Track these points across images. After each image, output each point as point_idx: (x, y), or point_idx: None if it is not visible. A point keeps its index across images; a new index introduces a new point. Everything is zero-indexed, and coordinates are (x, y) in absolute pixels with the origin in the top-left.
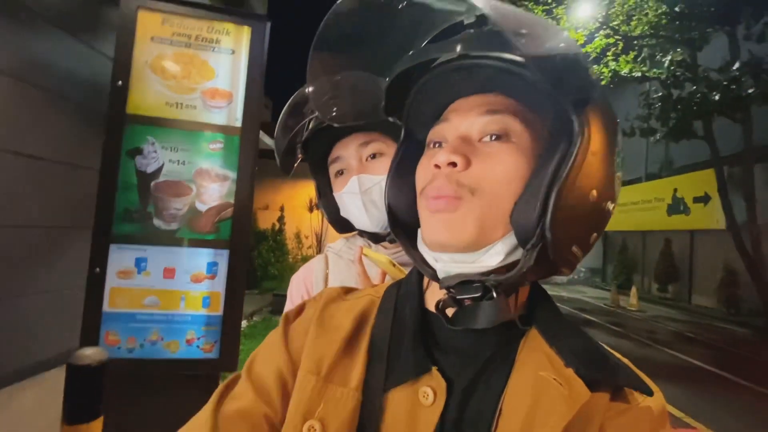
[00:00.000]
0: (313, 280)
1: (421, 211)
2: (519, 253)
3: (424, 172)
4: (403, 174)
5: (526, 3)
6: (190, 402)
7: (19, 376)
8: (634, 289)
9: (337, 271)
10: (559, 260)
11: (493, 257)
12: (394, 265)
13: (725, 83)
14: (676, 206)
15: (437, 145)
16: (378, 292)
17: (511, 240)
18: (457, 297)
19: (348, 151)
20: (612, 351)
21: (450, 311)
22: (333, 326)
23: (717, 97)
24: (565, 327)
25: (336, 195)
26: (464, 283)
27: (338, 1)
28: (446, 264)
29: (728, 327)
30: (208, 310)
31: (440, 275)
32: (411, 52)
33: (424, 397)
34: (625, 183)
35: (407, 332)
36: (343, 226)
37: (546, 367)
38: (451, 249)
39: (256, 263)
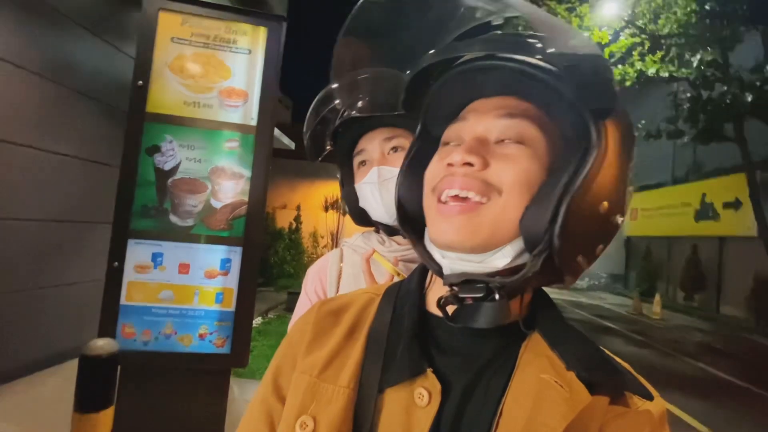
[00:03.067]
0: (328, 272)
1: (429, 209)
2: (525, 258)
3: (435, 169)
4: (415, 170)
5: (549, 2)
6: (200, 394)
7: (40, 365)
8: (657, 297)
9: (351, 264)
10: (565, 268)
11: (500, 259)
12: (398, 274)
13: (758, 84)
14: (705, 212)
15: (451, 144)
16: (378, 290)
17: (519, 244)
18: (460, 295)
19: (372, 144)
20: (612, 355)
21: (451, 309)
22: (328, 325)
23: (749, 99)
24: (567, 331)
25: (356, 186)
26: (468, 281)
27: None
28: (453, 261)
29: (758, 339)
30: (221, 306)
31: (445, 272)
32: (437, 48)
33: (419, 398)
34: (651, 187)
35: (405, 332)
36: (361, 218)
37: (548, 370)
38: (459, 250)
39: (272, 261)
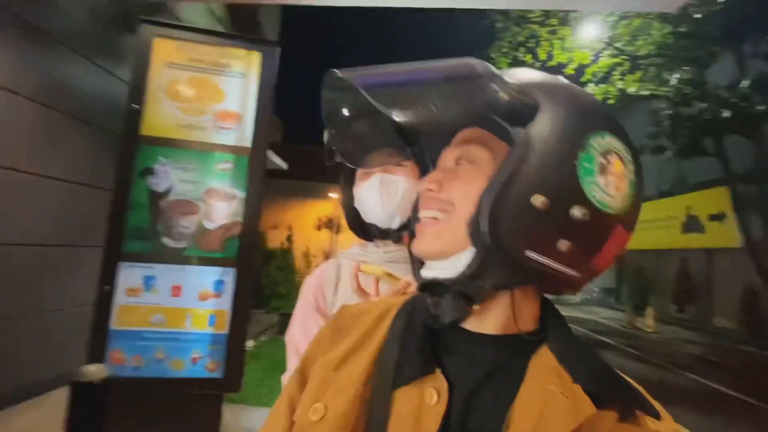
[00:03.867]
0: (327, 279)
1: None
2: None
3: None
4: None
5: (531, 25)
6: (192, 421)
7: (20, 397)
8: (650, 310)
9: (346, 274)
10: (512, 265)
11: (461, 263)
12: (389, 274)
13: (734, 100)
14: (691, 224)
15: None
16: (397, 300)
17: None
18: (433, 299)
19: (377, 159)
20: (623, 375)
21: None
22: (347, 327)
23: (727, 115)
24: (575, 345)
25: (356, 190)
26: (433, 285)
27: (323, 89)
28: (430, 270)
29: (751, 350)
30: (214, 329)
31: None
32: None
33: (429, 398)
34: None
35: (417, 335)
36: (356, 224)
37: (554, 382)
38: (428, 257)
39: (264, 282)
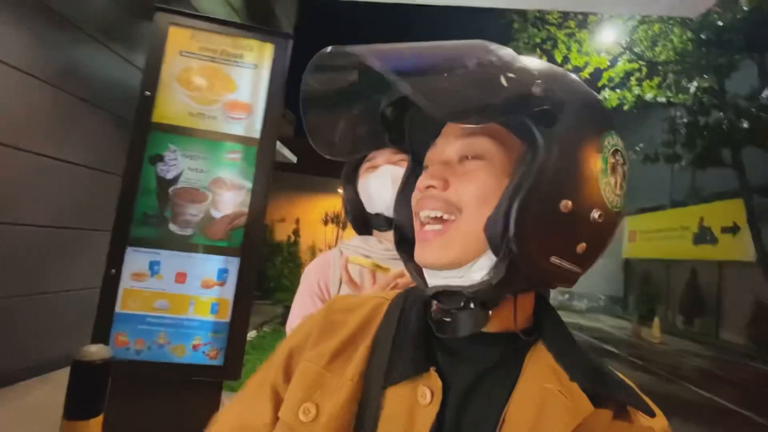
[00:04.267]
0: (331, 270)
1: (415, 231)
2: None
3: (414, 194)
4: (407, 195)
5: (549, 27)
6: (191, 406)
7: (26, 374)
8: (656, 321)
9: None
10: (537, 272)
11: (477, 272)
12: (378, 266)
13: (754, 111)
14: (703, 236)
15: (427, 168)
16: (388, 295)
17: (491, 255)
18: (443, 307)
19: (382, 154)
20: (616, 372)
21: (443, 320)
22: (338, 321)
23: (746, 125)
24: (571, 343)
25: (360, 182)
26: (446, 293)
27: (309, 65)
28: (435, 278)
29: (759, 366)
30: (216, 317)
31: (429, 286)
32: (388, 92)
33: (422, 397)
34: (648, 210)
35: (411, 333)
36: (358, 220)
37: (551, 380)
38: (438, 267)
39: (269, 274)
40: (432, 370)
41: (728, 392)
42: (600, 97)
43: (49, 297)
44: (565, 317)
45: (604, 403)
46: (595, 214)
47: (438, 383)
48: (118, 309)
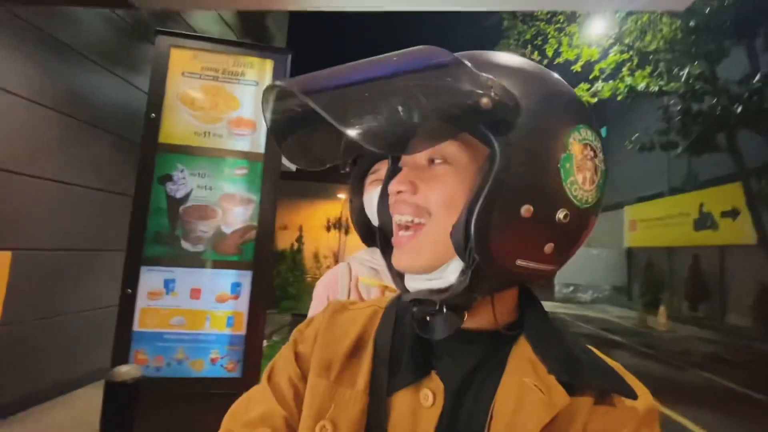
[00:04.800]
0: (339, 282)
1: (393, 235)
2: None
3: (390, 197)
4: (387, 197)
5: (538, 23)
6: (213, 420)
7: (44, 397)
8: (662, 308)
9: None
10: (503, 275)
11: (450, 275)
12: (386, 287)
13: (746, 95)
14: (704, 221)
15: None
16: (381, 302)
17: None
18: (416, 313)
19: (386, 167)
20: (600, 354)
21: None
22: (340, 334)
23: (739, 110)
24: (550, 334)
25: (366, 196)
26: (419, 301)
27: (262, 104)
28: (413, 281)
29: (765, 347)
30: (232, 330)
31: (407, 290)
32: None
33: (424, 399)
34: (647, 198)
35: (407, 339)
36: (365, 232)
37: (529, 374)
38: (411, 272)
39: (275, 283)
40: (433, 372)
41: (738, 375)
42: (573, 90)
43: (63, 319)
44: (572, 309)
45: (584, 390)
46: (560, 214)
47: (440, 385)
48: (135, 327)
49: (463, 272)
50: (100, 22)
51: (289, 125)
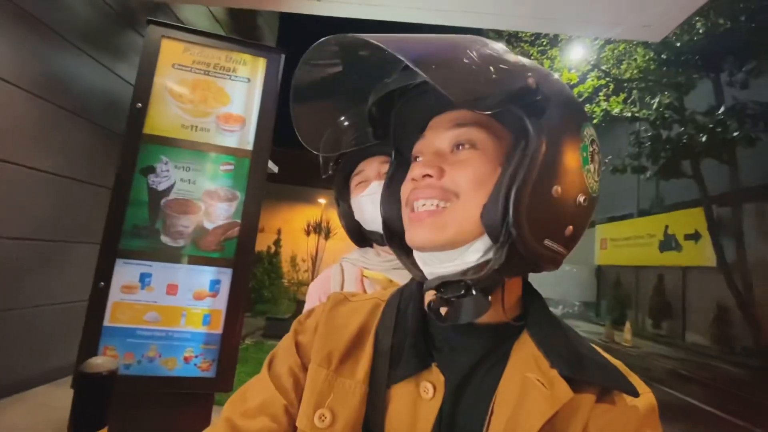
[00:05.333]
0: (331, 286)
1: (405, 220)
2: (495, 251)
3: (406, 185)
4: (394, 189)
5: (523, 44)
6: (184, 420)
7: (11, 390)
8: (628, 325)
9: (351, 277)
10: (533, 255)
11: (472, 255)
12: (390, 281)
13: (711, 126)
14: (668, 243)
15: (418, 159)
16: (383, 296)
17: (487, 239)
18: (444, 297)
19: (371, 167)
20: (602, 352)
21: (443, 311)
22: (340, 325)
23: (704, 139)
24: (554, 329)
25: (353, 200)
26: (446, 283)
27: (306, 52)
28: (432, 266)
29: (722, 366)
30: (208, 328)
31: (427, 277)
32: (387, 80)
33: (424, 392)
34: (618, 218)
35: (408, 331)
36: (356, 234)
37: (532, 369)
38: (432, 248)
39: (250, 285)
40: (434, 365)
41: (696, 391)
42: None
43: (28, 312)
44: None
45: (586, 386)
46: (581, 198)
47: (440, 378)
48: (106, 322)
49: (497, 251)
50: (85, 5)
51: (311, 92)
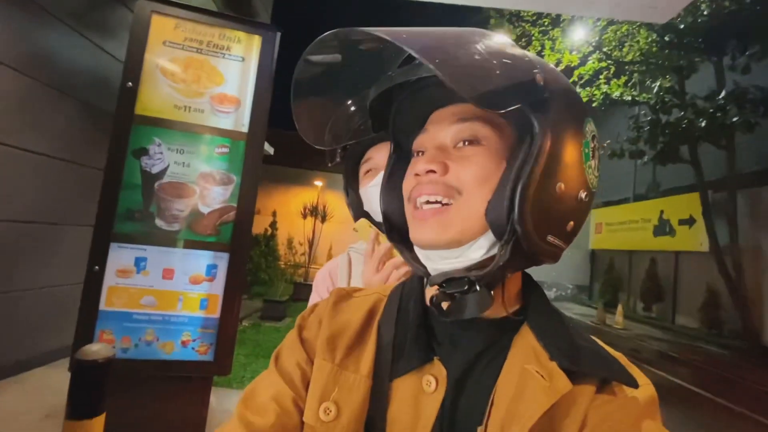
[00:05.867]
0: (338, 273)
1: (408, 216)
2: (498, 247)
3: (408, 180)
4: (394, 183)
5: (524, 24)
6: (180, 403)
7: (4, 373)
8: (620, 308)
9: (357, 265)
10: (536, 250)
11: (476, 251)
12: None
13: (711, 111)
14: (662, 227)
15: (420, 154)
16: (385, 291)
17: (491, 235)
18: (447, 292)
19: (379, 155)
20: (603, 344)
21: (445, 305)
22: (344, 320)
23: (703, 124)
24: (553, 321)
25: (362, 190)
26: (450, 279)
27: (308, 48)
28: (435, 262)
29: (710, 348)
30: (206, 312)
31: (430, 273)
32: (389, 75)
33: (427, 385)
34: (614, 203)
35: (410, 325)
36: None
37: (531, 361)
38: (437, 246)
39: (246, 267)
40: (436, 359)
41: (683, 372)
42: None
43: (17, 295)
44: None
45: (586, 378)
46: (582, 194)
47: (442, 371)
48: (102, 306)
49: (502, 248)
50: None
51: (311, 86)
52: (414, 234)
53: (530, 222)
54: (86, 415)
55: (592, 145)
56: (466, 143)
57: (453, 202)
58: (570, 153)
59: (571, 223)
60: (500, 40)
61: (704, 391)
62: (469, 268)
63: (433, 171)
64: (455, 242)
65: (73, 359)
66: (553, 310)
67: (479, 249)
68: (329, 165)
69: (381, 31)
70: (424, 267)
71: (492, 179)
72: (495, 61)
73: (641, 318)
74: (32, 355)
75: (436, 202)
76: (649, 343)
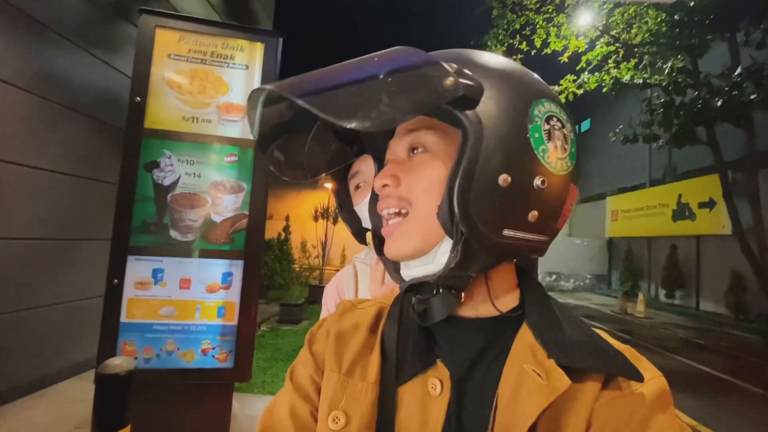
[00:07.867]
0: (345, 286)
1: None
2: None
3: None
4: (376, 198)
5: (527, 12)
6: (204, 410)
7: (34, 387)
8: (641, 296)
9: (364, 276)
10: (493, 247)
11: (442, 256)
12: None
13: (727, 89)
14: (682, 212)
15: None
16: (388, 299)
17: (449, 239)
18: (421, 297)
19: (367, 165)
20: (608, 337)
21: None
22: (350, 332)
23: (719, 103)
24: (551, 318)
25: (356, 208)
26: (422, 284)
27: (245, 110)
28: (408, 269)
29: (738, 333)
30: (223, 320)
31: (405, 278)
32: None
33: (432, 389)
34: (629, 189)
35: (411, 331)
36: (362, 235)
37: (529, 359)
38: (404, 258)
39: (262, 273)
40: (439, 362)
41: (712, 360)
42: (527, 68)
43: (39, 311)
44: (556, 297)
45: (590, 374)
46: (537, 181)
47: (446, 373)
48: (123, 319)
49: (453, 249)
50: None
51: (274, 133)
52: (385, 249)
53: (475, 220)
54: (112, 428)
55: (547, 127)
56: (416, 152)
57: (409, 212)
58: (511, 141)
59: (534, 212)
60: (411, 58)
61: (736, 378)
62: (435, 273)
63: (387, 185)
64: (419, 251)
65: (96, 373)
66: (551, 305)
67: (444, 253)
68: (309, 180)
69: (273, 86)
70: (400, 276)
71: (440, 185)
72: (390, 83)
73: (664, 305)
74: (59, 368)
75: (398, 214)
76: (673, 331)
